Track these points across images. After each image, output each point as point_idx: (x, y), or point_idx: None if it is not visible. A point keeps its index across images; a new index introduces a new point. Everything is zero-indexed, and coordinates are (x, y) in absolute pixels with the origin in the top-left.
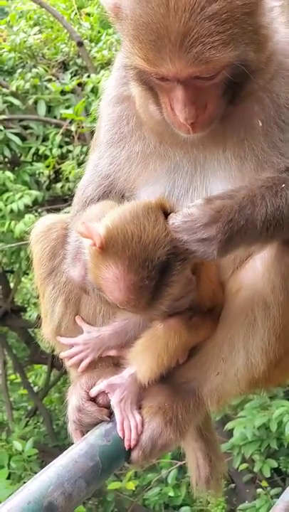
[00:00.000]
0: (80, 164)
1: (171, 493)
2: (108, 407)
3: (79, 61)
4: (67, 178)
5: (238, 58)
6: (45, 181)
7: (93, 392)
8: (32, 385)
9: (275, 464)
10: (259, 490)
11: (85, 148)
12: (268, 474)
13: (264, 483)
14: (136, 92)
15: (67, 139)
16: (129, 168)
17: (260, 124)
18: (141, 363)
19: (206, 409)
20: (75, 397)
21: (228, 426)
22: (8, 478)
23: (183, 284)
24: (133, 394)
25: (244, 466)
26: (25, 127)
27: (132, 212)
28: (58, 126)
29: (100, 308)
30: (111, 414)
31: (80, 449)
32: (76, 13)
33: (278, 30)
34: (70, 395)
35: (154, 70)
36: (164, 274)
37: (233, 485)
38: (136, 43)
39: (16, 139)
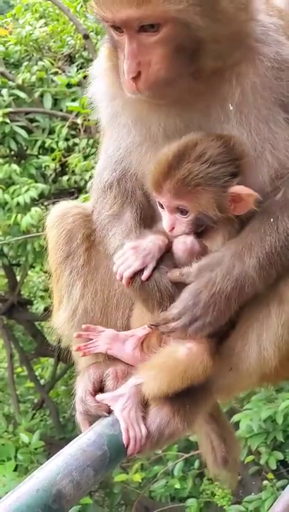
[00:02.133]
0: (86, 157)
1: (178, 486)
2: None
3: (85, 54)
4: (73, 171)
5: (179, 14)
6: (51, 174)
7: (98, 399)
8: (38, 377)
9: (281, 456)
10: (265, 482)
11: (91, 141)
12: (274, 466)
13: (270, 476)
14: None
15: (73, 132)
16: (139, 153)
17: (231, 107)
18: (152, 379)
19: (215, 401)
20: (80, 388)
21: (235, 418)
22: (15, 470)
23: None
24: (136, 404)
25: (250, 458)
26: (32, 120)
27: None
28: (64, 119)
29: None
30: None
31: (87, 439)
32: (82, 6)
33: (258, 17)
34: (77, 385)
35: (100, 12)
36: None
37: (239, 477)
38: None
39: (22, 132)
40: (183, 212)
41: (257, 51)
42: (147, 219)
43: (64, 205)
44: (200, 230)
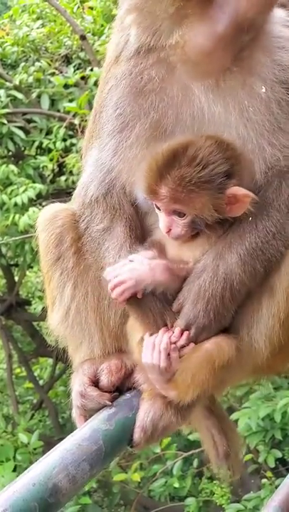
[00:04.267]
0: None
1: (177, 485)
2: (110, 391)
3: (82, 55)
4: (71, 172)
5: None
6: (49, 175)
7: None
8: (37, 378)
9: (279, 455)
10: (264, 480)
11: None
12: (272, 465)
13: (269, 474)
14: (179, 28)
15: (70, 133)
16: (135, 154)
17: (264, 89)
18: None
19: (208, 394)
20: (77, 383)
21: (233, 417)
22: (14, 470)
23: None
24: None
25: (249, 456)
26: (29, 121)
27: None
28: (61, 119)
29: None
30: (114, 399)
31: (83, 434)
32: (79, 7)
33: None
34: (73, 381)
35: None
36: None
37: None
38: None
39: (20, 133)
40: (180, 214)
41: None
42: (138, 229)
43: (53, 208)
44: (195, 232)
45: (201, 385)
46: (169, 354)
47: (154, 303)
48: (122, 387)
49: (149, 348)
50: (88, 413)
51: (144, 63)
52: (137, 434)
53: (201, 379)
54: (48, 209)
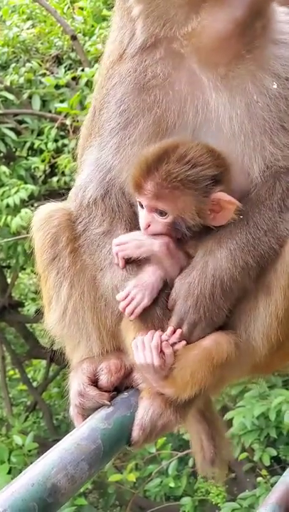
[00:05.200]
0: (75, 158)
1: (172, 484)
2: (109, 390)
3: (73, 55)
4: (63, 172)
5: None
6: (40, 175)
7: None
8: (31, 380)
9: (274, 453)
10: (259, 479)
11: None
12: (267, 463)
13: (264, 472)
14: (196, 16)
15: (62, 133)
16: (136, 152)
17: (275, 86)
18: (182, 371)
19: (207, 392)
20: (76, 382)
21: (228, 416)
22: (9, 472)
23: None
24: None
25: (244, 455)
26: (20, 122)
27: None
28: (52, 120)
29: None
30: (112, 399)
31: (82, 433)
32: (69, 7)
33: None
34: (71, 380)
35: None
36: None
37: (233, 474)
38: None
39: (11, 134)
40: (162, 213)
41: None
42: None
43: (49, 208)
44: (178, 236)
45: (199, 382)
46: (161, 351)
47: (154, 310)
48: (120, 386)
49: (140, 347)
50: (86, 412)
51: (149, 60)
52: (136, 433)
53: (200, 376)
54: (43, 208)
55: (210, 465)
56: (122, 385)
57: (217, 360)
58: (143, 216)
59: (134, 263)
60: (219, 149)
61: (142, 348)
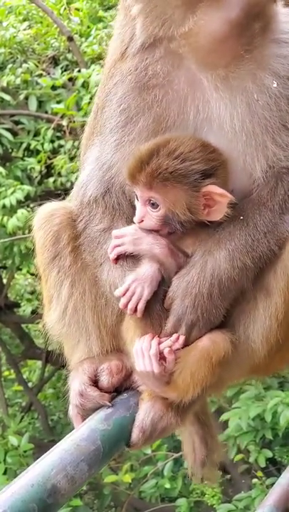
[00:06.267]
0: (71, 159)
1: (168, 485)
2: (109, 391)
3: (69, 56)
4: (59, 173)
5: None
6: (37, 176)
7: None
8: (26, 380)
9: (270, 454)
10: (255, 480)
11: (76, 143)
12: (263, 464)
13: (259, 474)
14: (193, 16)
15: (58, 134)
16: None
17: (275, 85)
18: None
19: (207, 395)
20: (77, 382)
21: (223, 417)
22: (5, 473)
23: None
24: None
25: (239, 456)
26: (17, 122)
27: None
28: (49, 121)
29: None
30: (111, 400)
31: (81, 434)
32: (65, 8)
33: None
34: (71, 380)
35: None
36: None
37: (228, 476)
38: None
39: (8, 135)
40: (154, 205)
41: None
42: None
43: (50, 207)
44: (171, 232)
45: (200, 383)
46: (160, 359)
47: (154, 306)
48: (120, 387)
49: (140, 355)
50: (86, 412)
51: (149, 59)
52: (136, 435)
53: (201, 376)
54: (44, 207)
55: (200, 467)
56: (122, 386)
57: (215, 358)
58: (138, 209)
59: (131, 258)
60: (215, 145)
61: (142, 355)
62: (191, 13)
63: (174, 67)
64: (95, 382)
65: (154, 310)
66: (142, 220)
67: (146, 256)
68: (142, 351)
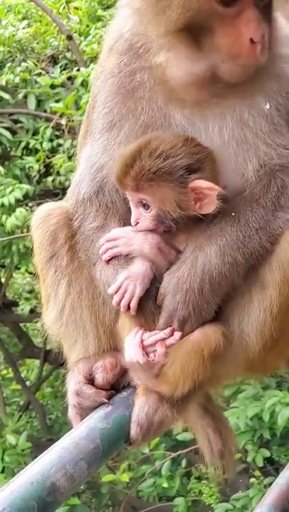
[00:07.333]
0: (70, 158)
1: (165, 485)
2: (106, 388)
3: (68, 55)
4: (58, 172)
5: None
6: (35, 175)
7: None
8: (24, 379)
9: (267, 454)
10: (252, 480)
11: (75, 142)
12: (261, 464)
13: (257, 473)
14: (166, 53)
15: (57, 133)
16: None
17: (268, 106)
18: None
19: (202, 387)
20: (73, 382)
21: None
22: (2, 472)
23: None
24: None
25: (237, 456)
26: (15, 121)
27: None
28: (48, 120)
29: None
30: (110, 398)
31: (80, 432)
32: (65, 7)
33: None
34: (68, 381)
35: None
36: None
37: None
38: None
39: (6, 133)
40: (145, 206)
41: None
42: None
43: (48, 207)
44: (167, 230)
45: (191, 376)
46: (144, 349)
47: (147, 304)
48: (118, 385)
49: (127, 346)
50: (84, 412)
51: (136, 64)
52: (134, 430)
53: (191, 369)
54: (42, 207)
55: (219, 458)
56: (120, 385)
57: (207, 351)
58: (132, 212)
59: (123, 256)
60: (194, 138)
61: (128, 346)
62: (166, 51)
63: (156, 83)
64: (90, 381)
65: (147, 307)
66: (138, 222)
67: (138, 255)
68: (129, 342)
